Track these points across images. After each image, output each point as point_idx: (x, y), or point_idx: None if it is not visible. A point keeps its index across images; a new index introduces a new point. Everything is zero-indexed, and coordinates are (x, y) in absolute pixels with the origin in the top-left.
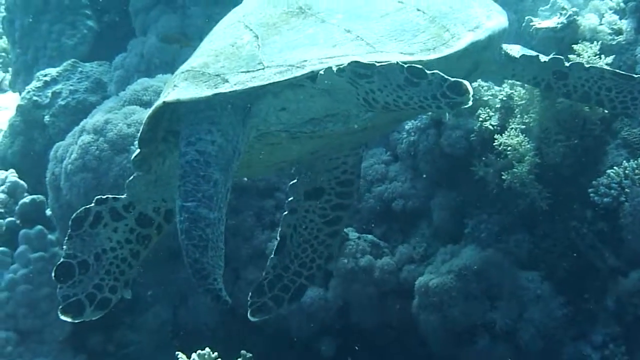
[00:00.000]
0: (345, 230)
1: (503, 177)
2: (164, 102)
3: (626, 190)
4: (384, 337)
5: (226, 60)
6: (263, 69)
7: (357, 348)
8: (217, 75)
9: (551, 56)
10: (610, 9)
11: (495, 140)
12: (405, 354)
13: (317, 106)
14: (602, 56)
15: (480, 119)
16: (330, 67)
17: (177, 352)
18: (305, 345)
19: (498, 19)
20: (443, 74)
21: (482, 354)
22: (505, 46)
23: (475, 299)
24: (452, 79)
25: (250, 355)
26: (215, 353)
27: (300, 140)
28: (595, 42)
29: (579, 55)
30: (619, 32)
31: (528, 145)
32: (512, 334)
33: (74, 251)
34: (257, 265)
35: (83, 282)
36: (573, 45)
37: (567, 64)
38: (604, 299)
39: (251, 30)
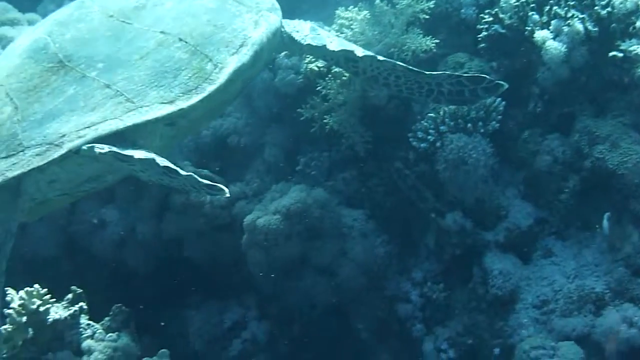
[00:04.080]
0: (181, 164)
1: (325, 120)
2: None
3: (442, 135)
4: (214, 271)
5: None
6: (23, 151)
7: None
8: None
9: (340, 49)
10: None
11: (318, 84)
12: (235, 289)
13: (90, 171)
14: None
15: (306, 61)
16: (92, 149)
17: (6, 288)
18: (144, 279)
19: (268, 22)
20: (197, 177)
21: (305, 289)
22: (291, 26)
23: (298, 237)
24: (205, 182)
25: (81, 291)
26: (45, 290)
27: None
28: None
29: None
30: None
31: (351, 88)
32: (333, 271)
33: None
34: None
35: None
36: None
37: (359, 55)
38: (424, 237)
39: (12, 99)
